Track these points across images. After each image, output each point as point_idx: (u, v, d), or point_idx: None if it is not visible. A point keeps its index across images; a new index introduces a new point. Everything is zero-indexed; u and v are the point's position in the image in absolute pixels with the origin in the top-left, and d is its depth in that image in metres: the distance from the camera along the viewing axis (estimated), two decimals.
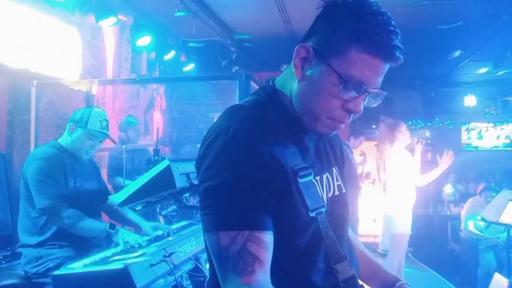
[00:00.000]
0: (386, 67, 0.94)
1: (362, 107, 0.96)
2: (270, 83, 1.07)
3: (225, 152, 0.90)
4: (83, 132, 2.52)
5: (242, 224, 0.86)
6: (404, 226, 4.00)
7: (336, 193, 1.08)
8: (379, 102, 0.99)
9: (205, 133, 0.99)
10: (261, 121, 0.96)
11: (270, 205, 0.90)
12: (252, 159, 0.89)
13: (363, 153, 5.95)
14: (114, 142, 2.86)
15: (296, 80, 0.98)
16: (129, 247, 2.29)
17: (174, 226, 2.83)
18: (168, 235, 2.56)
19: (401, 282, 1.12)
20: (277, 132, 0.97)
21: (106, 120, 2.60)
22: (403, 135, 4.12)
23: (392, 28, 0.90)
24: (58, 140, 2.61)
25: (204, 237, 0.94)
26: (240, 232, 0.86)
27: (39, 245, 2.39)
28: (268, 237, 0.88)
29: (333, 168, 1.11)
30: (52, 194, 2.35)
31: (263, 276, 0.85)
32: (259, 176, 0.88)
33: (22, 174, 2.45)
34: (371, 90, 0.94)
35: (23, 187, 2.43)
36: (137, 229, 2.66)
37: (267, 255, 0.87)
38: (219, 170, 0.88)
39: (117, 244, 2.35)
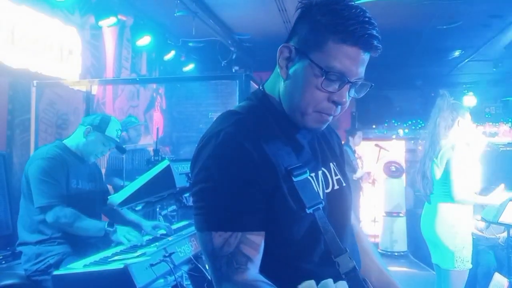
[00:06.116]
0: (366, 57, 0.97)
1: (347, 98, 0.99)
2: (261, 88, 1.11)
3: (215, 155, 0.94)
4: (100, 137, 2.58)
5: (235, 226, 0.92)
6: None
7: (336, 187, 1.10)
8: (365, 93, 1.03)
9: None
10: (252, 124, 1.00)
11: (262, 205, 0.94)
12: (240, 162, 0.93)
13: (359, 156, 5.95)
14: (124, 152, 2.89)
15: (282, 80, 1.02)
16: (129, 246, 2.28)
17: (174, 226, 2.83)
18: (169, 234, 2.56)
19: None
20: (269, 133, 1.00)
21: (121, 130, 2.71)
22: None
23: (366, 19, 0.94)
24: (64, 141, 2.62)
25: (197, 235, 0.99)
26: (234, 234, 0.92)
27: (39, 242, 2.39)
28: (259, 239, 0.94)
29: (331, 164, 1.13)
30: (51, 193, 2.36)
31: (255, 270, 0.93)
32: (249, 177, 0.93)
33: (24, 172, 2.47)
34: (354, 80, 0.97)
35: (25, 185, 2.44)
36: (138, 228, 2.66)
37: (258, 255, 0.94)
38: (211, 173, 0.93)
39: (117, 243, 2.35)
